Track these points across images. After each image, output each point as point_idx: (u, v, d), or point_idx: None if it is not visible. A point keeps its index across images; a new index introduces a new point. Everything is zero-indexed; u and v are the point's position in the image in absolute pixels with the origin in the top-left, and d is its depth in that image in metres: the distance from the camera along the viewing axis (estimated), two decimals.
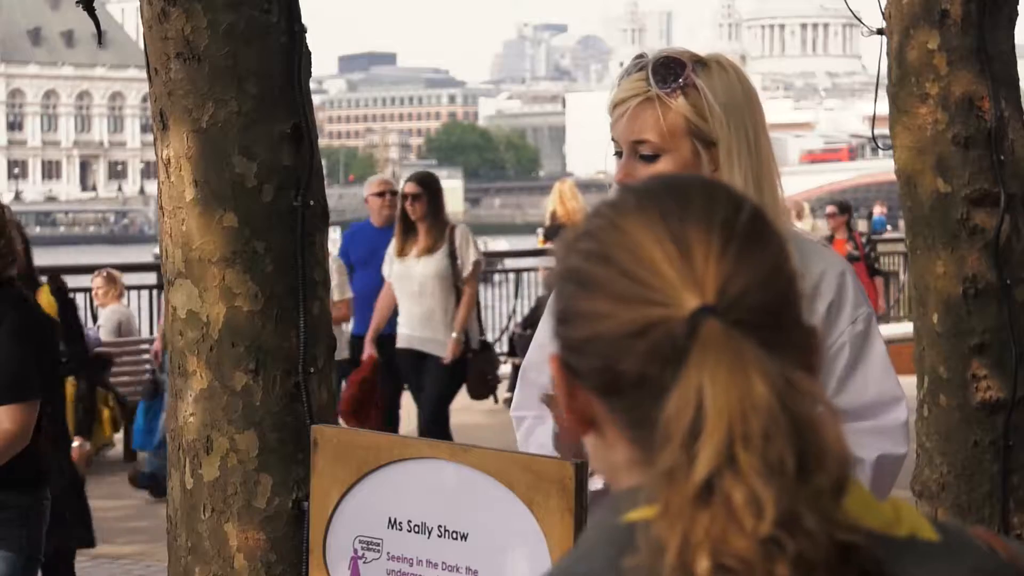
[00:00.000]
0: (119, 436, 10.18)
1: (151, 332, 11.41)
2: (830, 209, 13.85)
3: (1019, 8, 4.40)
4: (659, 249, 1.14)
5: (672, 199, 1.17)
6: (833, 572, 1.06)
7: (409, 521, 2.58)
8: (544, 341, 2.61)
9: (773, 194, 2.47)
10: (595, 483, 2.38)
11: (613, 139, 2.51)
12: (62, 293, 6.91)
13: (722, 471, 1.06)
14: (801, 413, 1.08)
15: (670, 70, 2.45)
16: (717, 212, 1.16)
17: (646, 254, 1.14)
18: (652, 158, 2.45)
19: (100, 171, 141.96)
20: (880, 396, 2.42)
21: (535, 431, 2.60)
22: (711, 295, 1.12)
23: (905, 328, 14.12)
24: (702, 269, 1.13)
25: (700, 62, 2.47)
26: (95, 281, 10.51)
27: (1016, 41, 4.60)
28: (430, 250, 8.35)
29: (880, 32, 4.43)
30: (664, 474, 1.08)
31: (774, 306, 1.15)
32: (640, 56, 2.53)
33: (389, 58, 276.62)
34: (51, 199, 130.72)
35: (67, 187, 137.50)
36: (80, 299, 10.89)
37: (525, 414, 2.63)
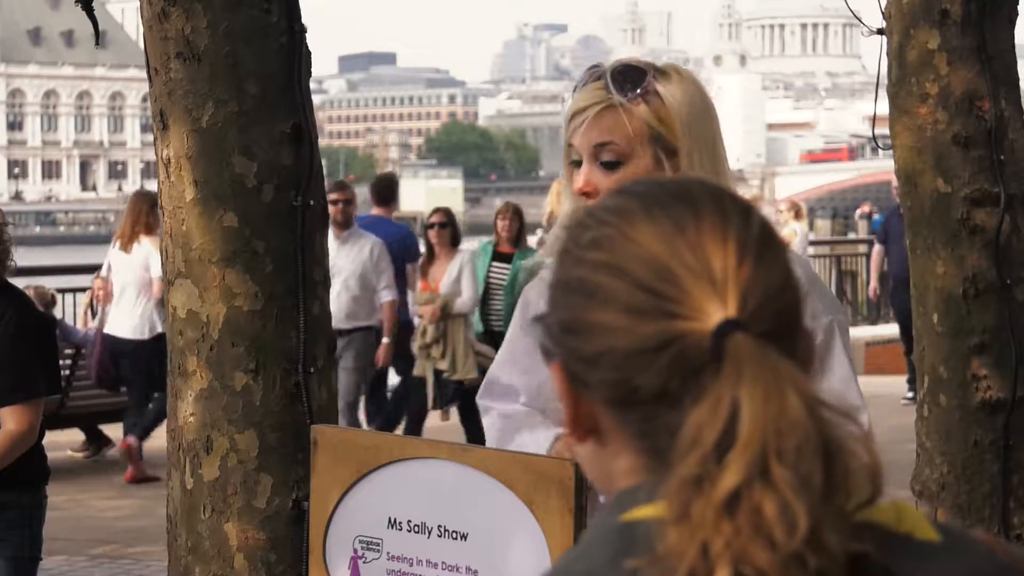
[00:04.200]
0: (118, 436, 10.18)
1: None
2: None
3: (1019, 8, 4.40)
4: (676, 261, 1.11)
5: (682, 207, 1.14)
6: None
7: (409, 521, 2.58)
8: (514, 340, 2.61)
9: None
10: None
11: (570, 147, 2.47)
12: None
13: (752, 482, 1.04)
14: (830, 431, 1.07)
15: (629, 78, 2.43)
16: (730, 221, 1.13)
17: (663, 266, 1.11)
18: (614, 165, 2.42)
19: (100, 171, 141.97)
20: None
21: (522, 434, 2.58)
22: (733, 307, 1.09)
23: None
24: (722, 281, 1.10)
25: (659, 71, 2.45)
26: (96, 282, 10.51)
27: (1016, 41, 4.60)
28: None
29: (880, 32, 4.43)
30: (687, 481, 1.05)
31: (787, 315, 1.13)
32: (595, 66, 2.51)
33: (389, 58, 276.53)
34: (51, 199, 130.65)
35: (67, 187, 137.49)
36: (80, 298, 10.91)
37: (491, 404, 2.64)
